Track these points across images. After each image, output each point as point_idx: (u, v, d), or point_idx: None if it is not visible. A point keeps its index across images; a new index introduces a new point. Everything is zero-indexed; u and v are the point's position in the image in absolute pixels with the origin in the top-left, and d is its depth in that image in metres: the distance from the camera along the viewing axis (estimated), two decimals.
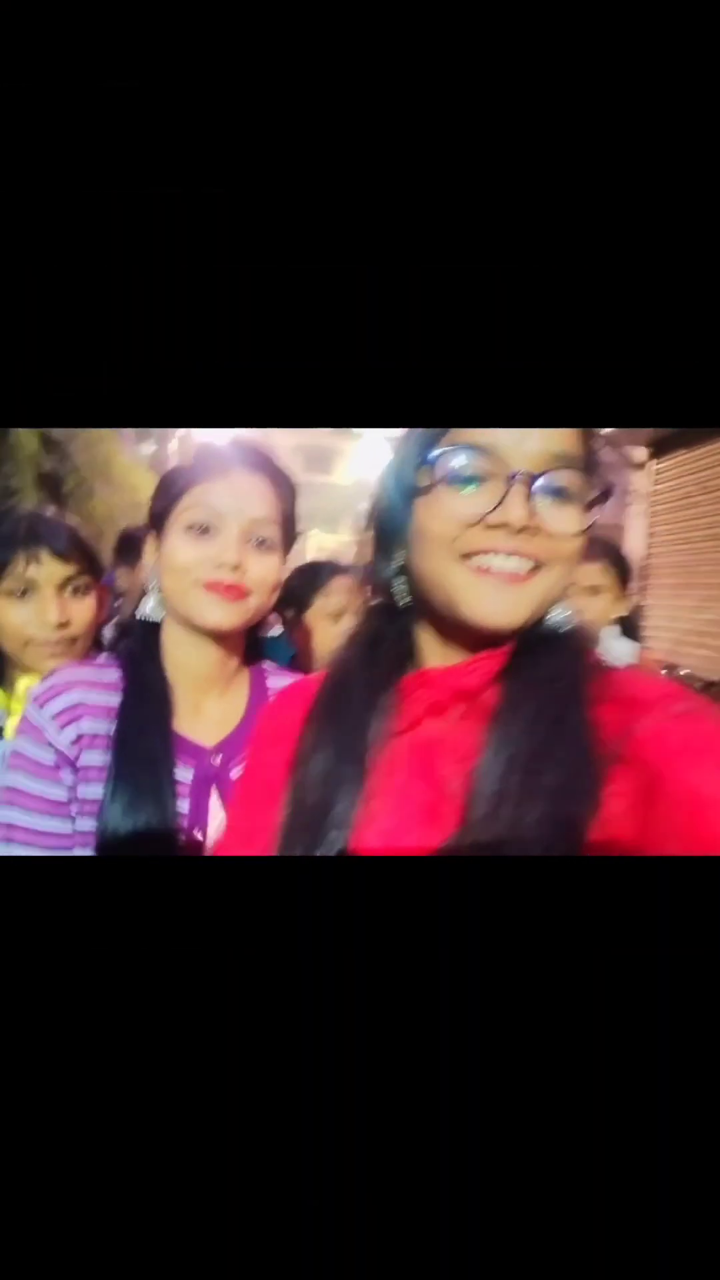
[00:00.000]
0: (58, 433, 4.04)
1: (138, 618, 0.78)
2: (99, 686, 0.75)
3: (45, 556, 0.92)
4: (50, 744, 0.72)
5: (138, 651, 0.77)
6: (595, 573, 1.37)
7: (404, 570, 0.59)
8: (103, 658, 0.80)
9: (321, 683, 0.64)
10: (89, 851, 0.70)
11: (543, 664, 0.54)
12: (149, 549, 0.78)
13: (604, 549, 1.39)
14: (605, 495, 0.54)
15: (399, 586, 0.59)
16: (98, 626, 1.01)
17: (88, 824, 0.71)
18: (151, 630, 0.78)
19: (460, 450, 0.52)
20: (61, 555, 0.93)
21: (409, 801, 0.55)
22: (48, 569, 0.93)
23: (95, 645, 1.02)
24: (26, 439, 3.75)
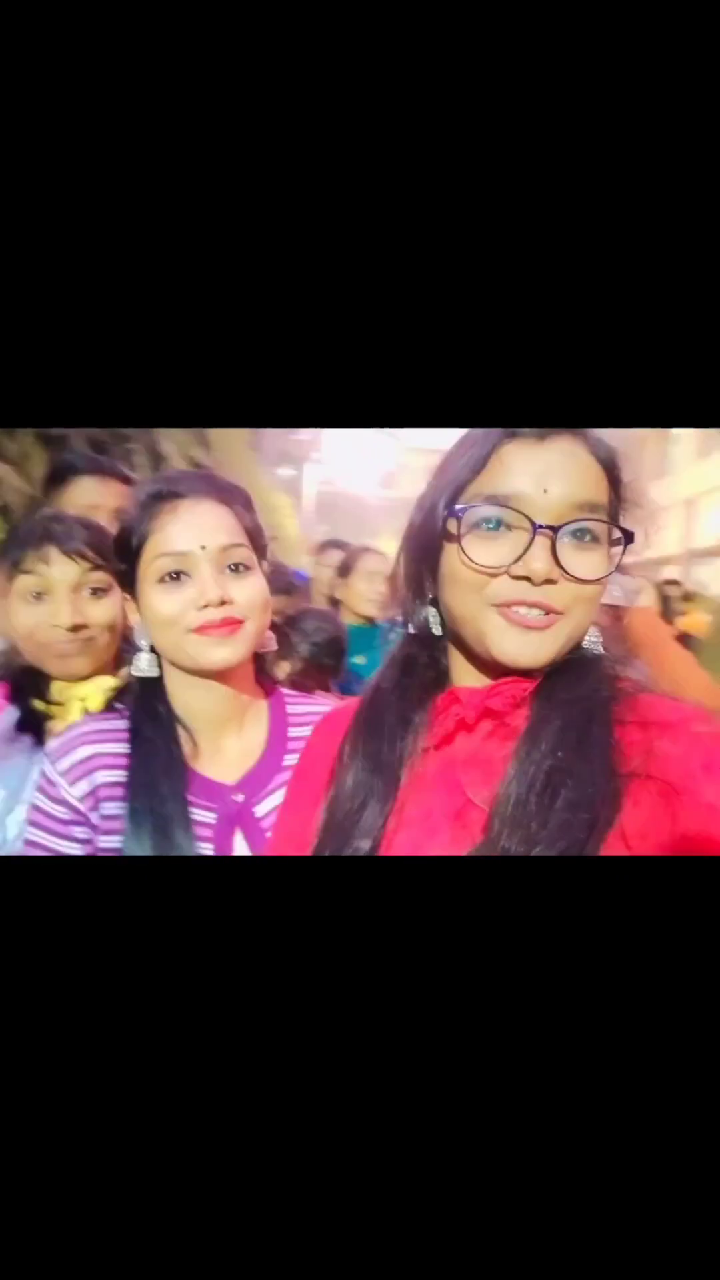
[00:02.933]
0: (206, 459, 4.23)
1: (133, 676, 0.78)
2: (111, 738, 0.75)
3: (55, 556, 0.89)
4: (63, 800, 0.73)
5: (140, 707, 0.77)
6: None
7: (435, 603, 0.62)
8: (113, 712, 0.80)
9: (360, 702, 0.67)
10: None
11: (569, 687, 0.56)
12: (129, 610, 0.79)
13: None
14: (629, 540, 0.56)
15: (432, 618, 0.62)
16: (125, 627, 0.93)
17: None
18: (150, 684, 0.78)
19: (486, 505, 0.54)
20: (75, 555, 0.89)
21: (437, 813, 0.58)
22: (60, 569, 0.89)
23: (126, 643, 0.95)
24: (181, 443, 3.86)
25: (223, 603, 0.71)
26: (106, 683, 0.92)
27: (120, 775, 0.73)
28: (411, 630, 0.64)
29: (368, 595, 2.28)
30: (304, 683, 0.93)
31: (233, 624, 0.71)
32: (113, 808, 0.73)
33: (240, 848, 0.76)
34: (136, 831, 0.71)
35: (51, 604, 0.90)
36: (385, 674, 0.66)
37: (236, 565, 0.73)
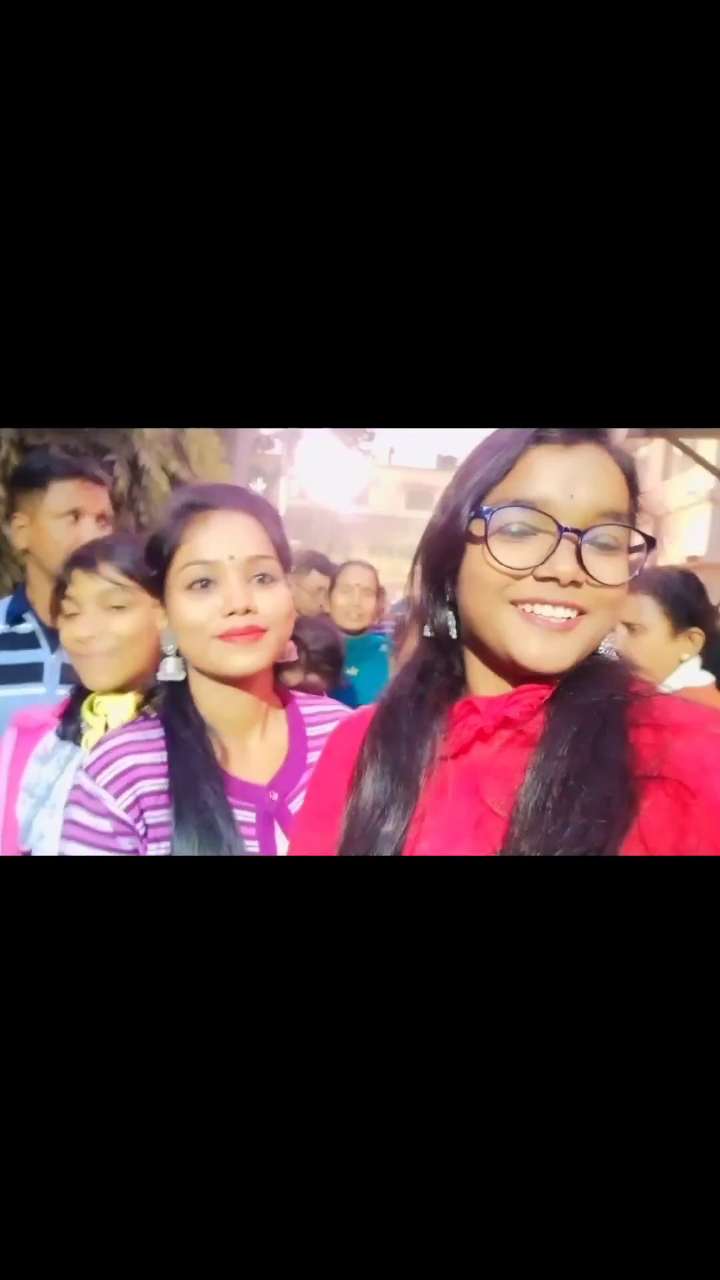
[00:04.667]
0: (185, 473, 4.18)
1: (160, 680, 0.80)
2: (149, 748, 0.76)
3: (79, 576, 0.93)
4: (109, 813, 0.73)
5: (172, 711, 0.79)
6: (638, 610, 1.27)
7: (454, 606, 0.62)
8: (145, 720, 0.81)
9: (376, 710, 0.67)
10: None
11: (584, 692, 0.57)
12: (157, 616, 0.81)
13: (654, 586, 1.29)
14: (650, 545, 0.57)
15: (450, 621, 0.62)
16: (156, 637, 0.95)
17: None
18: (179, 689, 0.80)
19: (515, 508, 0.55)
20: (94, 572, 0.92)
21: (457, 821, 0.58)
22: (83, 587, 0.93)
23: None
24: (158, 478, 3.86)
25: (247, 611, 0.73)
26: (129, 699, 0.95)
27: (162, 784, 0.74)
28: (428, 634, 0.64)
29: (348, 609, 2.33)
30: (306, 689, 0.95)
31: (256, 632, 0.74)
32: (157, 816, 0.74)
33: (282, 841, 0.78)
34: (184, 835, 0.73)
35: (85, 618, 0.94)
36: (401, 681, 0.67)
37: (262, 576, 0.75)
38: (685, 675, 1.28)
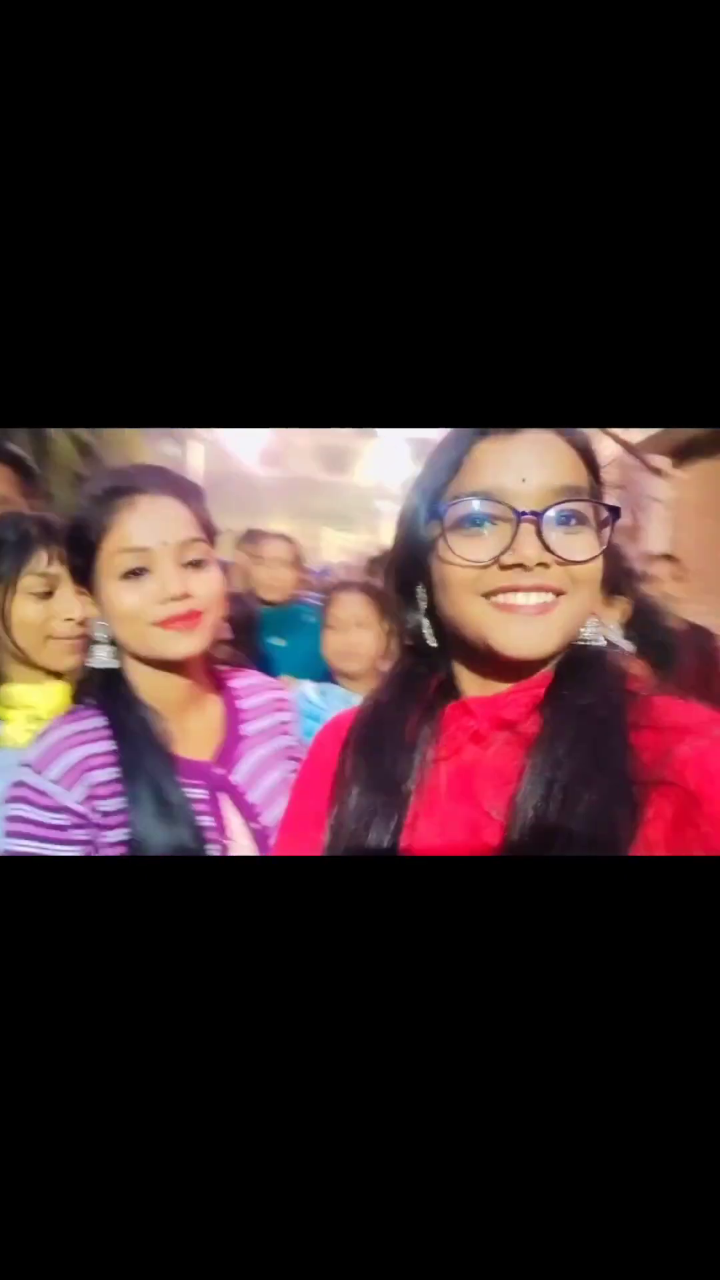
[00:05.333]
0: (89, 437, 4.00)
1: (92, 667, 0.81)
2: (95, 738, 0.76)
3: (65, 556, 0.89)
4: (62, 807, 0.73)
5: (110, 698, 0.79)
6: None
7: (430, 613, 0.61)
8: (84, 709, 0.81)
9: (354, 721, 0.66)
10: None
11: (581, 693, 0.56)
12: (84, 604, 0.81)
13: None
14: (614, 516, 0.56)
15: (425, 630, 0.62)
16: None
17: None
18: (113, 675, 0.80)
19: (467, 499, 0.54)
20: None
21: (451, 825, 0.57)
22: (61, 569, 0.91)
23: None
24: (64, 444, 3.72)
25: (185, 596, 0.74)
26: (54, 688, 0.95)
27: (113, 773, 0.75)
28: (408, 643, 0.64)
29: (267, 581, 2.36)
30: (230, 663, 0.96)
31: (195, 616, 0.75)
32: (111, 804, 0.74)
33: (231, 813, 0.81)
34: (141, 818, 0.74)
35: (61, 599, 0.93)
36: (383, 690, 0.66)
37: (195, 560, 0.76)
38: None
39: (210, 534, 0.80)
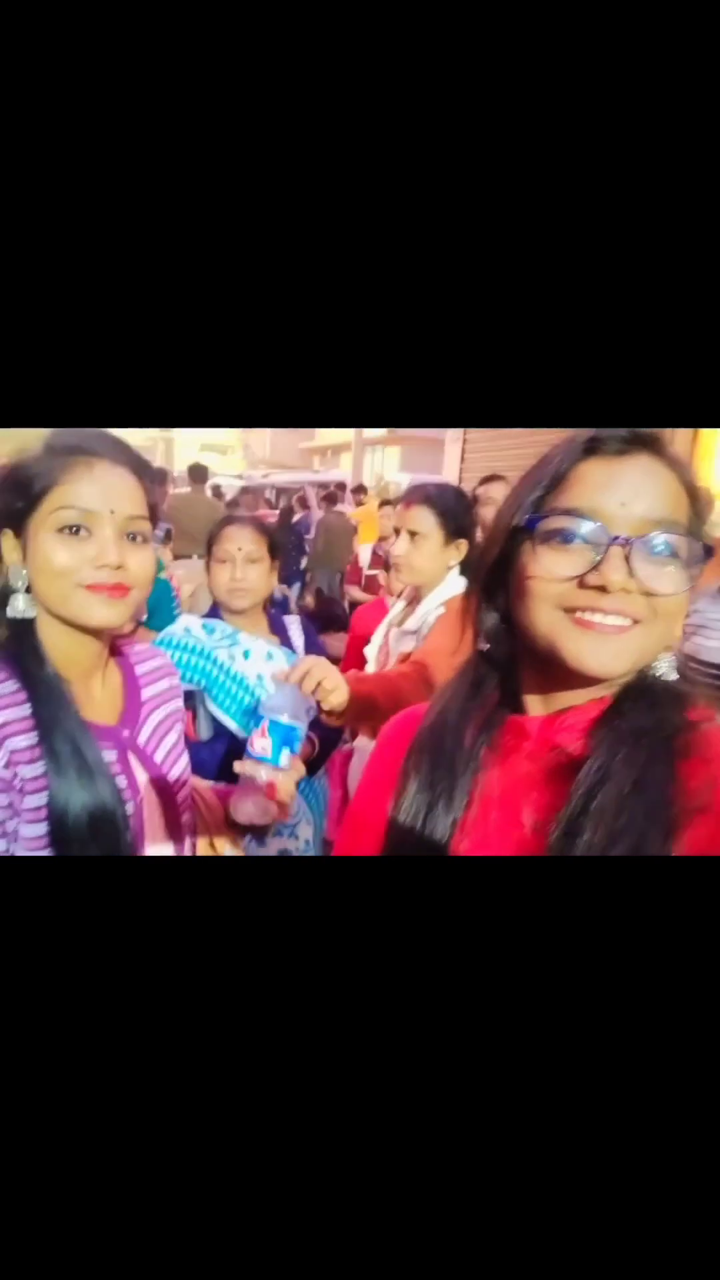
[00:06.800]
0: None
1: (9, 616, 0.74)
2: (8, 703, 0.72)
3: None
4: None
5: (22, 656, 0.75)
6: (418, 519, 1.45)
7: (506, 618, 0.62)
8: None
9: (423, 720, 0.67)
10: (40, 852, 0.71)
11: (636, 719, 0.56)
12: (6, 546, 0.74)
13: (432, 499, 1.46)
14: (709, 553, 0.55)
15: (498, 633, 0.63)
16: None
17: (38, 830, 0.71)
18: (27, 628, 0.75)
19: (562, 514, 0.54)
20: None
21: (493, 839, 0.59)
22: None
23: None
24: None
25: (118, 568, 0.73)
26: None
27: (31, 738, 0.72)
28: (482, 646, 0.65)
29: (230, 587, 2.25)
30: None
31: (122, 589, 0.74)
32: (31, 769, 0.72)
33: (140, 773, 0.82)
34: (63, 781, 0.72)
35: None
36: (451, 693, 0.67)
37: (135, 535, 0.75)
38: (451, 580, 1.48)
39: (154, 516, 0.78)
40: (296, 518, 8.28)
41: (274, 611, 1.69)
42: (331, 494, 8.18)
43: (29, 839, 0.71)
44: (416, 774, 0.64)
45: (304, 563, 7.27)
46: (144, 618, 0.88)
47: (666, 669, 0.59)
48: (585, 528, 0.54)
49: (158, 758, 0.85)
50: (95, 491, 0.72)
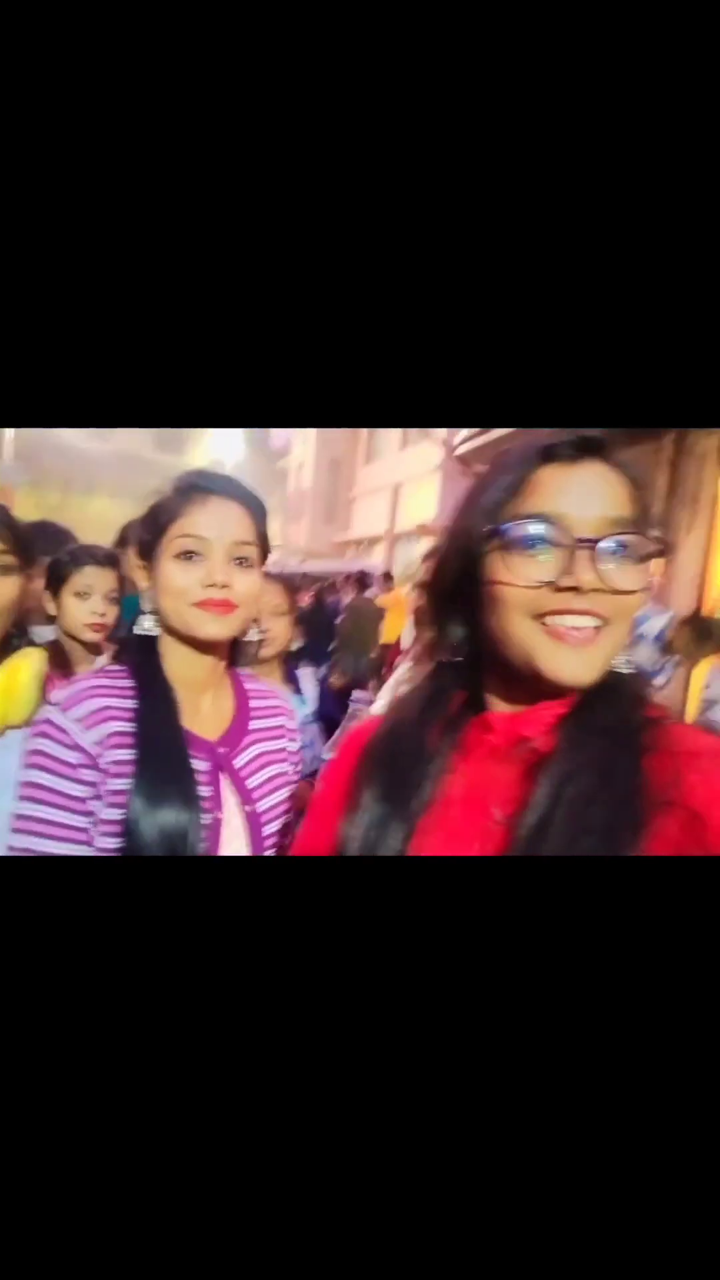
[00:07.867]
0: None
1: (135, 634, 0.89)
2: (118, 693, 0.84)
3: None
4: (76, 745, 0.81)
5: (142, 662, 0.88)
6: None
7: (468, 626, 0.64)
8: (115, 668, 0.91)
9: (376, 731, 0.69)
10: (112, 840, 0.80)
11: (601, 715, 0.58)
12: (138, 576, 0.89)
13: None
14: (661, 551, 0.58)
15: (460, 643, 0.65)
16: (21, 608, 1.17)
17: (115, 814, 0.80)
18: (149, 644, 0.89)
19: (529, 520, 0.56)
20: None
21: (461, 833, 0.60)
22: None
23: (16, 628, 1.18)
24: None
25: (225, 586, 0.84)
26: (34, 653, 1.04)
27: (128, 726, 0.83)
28: (444, 658, 0.66)
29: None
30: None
31: (228, 605, 0.85)
32: (120, 754, 0.82)
33: (229, 791, 0.90)
34: (145, 771, 0.81)
35: None
36: (409, 702, 0.67)
37: (242, 559, 0.87)
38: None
39: (263, 547, 0.91)
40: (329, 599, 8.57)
41: (290, 663, 1.85)
42: (361, 578, 8.47)
43: (104, 822, 0.80)
44: (372, 783, 0.65)
45: (331, 645, 7.49)
46: (255, 636, 1.03)
47: (622, 661, 0.61)
48: (552, 532, 0.56)
49: (250, 784, 0.91)
50: (208, 520, 0.84)
